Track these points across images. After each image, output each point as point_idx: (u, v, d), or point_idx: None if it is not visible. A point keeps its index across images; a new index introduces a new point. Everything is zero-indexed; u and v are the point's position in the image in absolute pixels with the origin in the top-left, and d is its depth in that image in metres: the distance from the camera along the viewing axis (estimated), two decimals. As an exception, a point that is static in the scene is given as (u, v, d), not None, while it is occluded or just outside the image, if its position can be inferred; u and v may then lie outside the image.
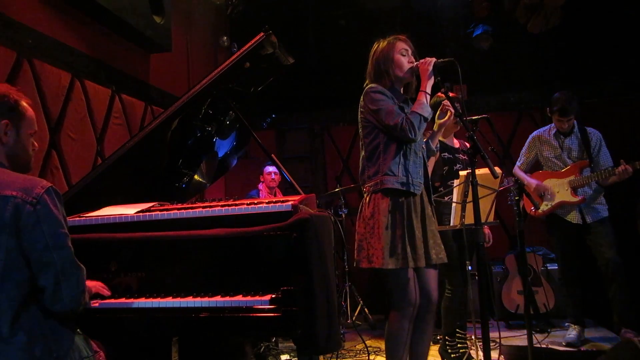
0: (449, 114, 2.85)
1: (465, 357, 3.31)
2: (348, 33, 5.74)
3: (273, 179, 4.90)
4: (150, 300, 1.83)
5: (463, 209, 2.92)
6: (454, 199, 2.95)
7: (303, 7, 6.01)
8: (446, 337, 3.39)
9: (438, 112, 3.02)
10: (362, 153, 2.49)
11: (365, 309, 4.73)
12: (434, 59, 2.37)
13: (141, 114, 4.20)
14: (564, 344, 3.73)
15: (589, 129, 3.80)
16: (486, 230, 3.43)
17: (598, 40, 5.08)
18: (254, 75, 2.59)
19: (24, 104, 1.72)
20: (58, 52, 3.24)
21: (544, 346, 3.70)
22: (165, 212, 1.98)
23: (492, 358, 2.25)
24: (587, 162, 3.73)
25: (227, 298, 1.75)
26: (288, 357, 3.56)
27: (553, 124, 3.85)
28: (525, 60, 5.36)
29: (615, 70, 5.10)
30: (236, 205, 1.95)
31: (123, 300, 1.86)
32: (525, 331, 2.87)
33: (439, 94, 3.10)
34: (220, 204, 2.02)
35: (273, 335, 3.38)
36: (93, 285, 1.84)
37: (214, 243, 1.87)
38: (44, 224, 1.56)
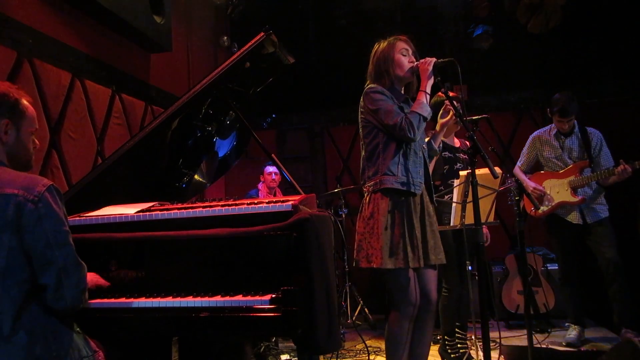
0: (450, 113, 2.85)
1: (465, 357, 3.31)
2: (348, 33, 5.74)
3: (273, 179, 4.89)
4: (150, 300, 1.83)
5: (463, 209, 2.92)
6: (454, 199, 2.95)
7: (303, 7, 6.02)
8: (445, 337, 3.39)
9: (441, 112, 3.02)
10: (363, 153, 2.50)
11: (366, 309, 4.73)
12: (434, 59, 2.38)
13: (141, 113, 4.20)
14: (564, 344, 3.73)
15: (590, 129, 3.80)
16: (484, 230, 3.43)
17: (598, 41, 5.08)
18: (254, 75, 2.59)
19: (25, 102, 1.72)
20: (58, 52, 3.24)
21: (544, 346, 3.70)
22: (165, 212, 1.98)
23: (492, 358, 2.25)
24: (587, 162, 3.73)
25: (227, 298, 1.75)
26: (288, 357, 3.56)
27: (553, 124, 3.85)
28: (525, 60, 5.35)
29: (615, 70, 5.10)
30: (236, 205, 1.95)
31: (123, 299, 1.86)
32: (525, 331, 2.87)
33: (439, 93, 3.10)
34: (220, 203, 2.02)
35: (273, 335, 3.38)
36: (89, 279, 1.83)
37: (214, 243, 1.87)
38: (45, 222, 1.57)
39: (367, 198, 2.42)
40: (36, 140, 1.79)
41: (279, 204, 1.87)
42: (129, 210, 2.07)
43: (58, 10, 3.26)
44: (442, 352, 3.42)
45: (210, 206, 1.99)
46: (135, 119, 4.07)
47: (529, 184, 3.85)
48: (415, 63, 2.43)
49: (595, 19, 5.07)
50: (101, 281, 1.89)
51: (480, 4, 5.38)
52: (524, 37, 5.31)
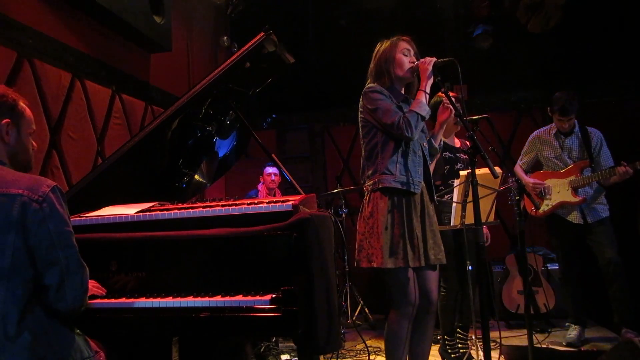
0: (449, 111, 2.85)
1: (465, 357, 3.31)
2: (348, 33, 5.74)
3: (273, 180, 4.89)
4: (151, 300, 1.83)
5: (463, 209, 2.92)
6: (455, 199, 2.95)
7: (303, 7, 6.01)
8: (445, 337, 3.39)
9: (439, 109, 3.02)
10: (363, 153, 2.50)
11: (366, 309, 4.73)
12: (434, 59, 2.38)
13: (141, 114, 4.20)
14: (564, 344, 3.73)
15: (590, 129, 3.79)
16: (484, 230, 3.43)
17: (598, 40, 5.08)
18: (254, 75, 2.59)
19: (22, 103, 1.73)
20: (58, 52, 3.24)
21: (545, 346, 3.70)
22: (165, 212, 1.98)
23: (492, 358, 2.25)
24: (587, 162, 3.73)
25: (228, 298, 1.75)
26: (288, 357, 3.56)
27: (554, 124, 3.85)
28: (525, 60, 5.35)
29: (615, 70, 5.10)
30: (236, 205, 1.95)
31: (123, 300, 1.86)
32: (525, 331, 2.86)
33: (439, 94, 3.10)
34: (220, 204, 2.02)
35: (273, 335, 3.38)
36: (89, 286, 1.84)
37: (214, 243, 1.87)
38: (49, 222, 1.57)
39: (367, 197, 2.43)
40: (34, 142, 1.79)
41: (279, 204, 1.87)
42: (129, 210, 2.07)
43: (58, 10, 3.26)
44: (443, 352, 3.42)
45: (211, 206, 1.99)
46: (135, 119, 4.07)
47: (529, 180, 3.85)
48: (416, 63, 2.43)
49: (595, 19, 5.07)
50: (98, 291, 1.89)
51: (480, 4, 5.38)
52: (524, 37, 5.30)
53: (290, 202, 1.85)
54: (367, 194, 2.43)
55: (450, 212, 3.01)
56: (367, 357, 3.65)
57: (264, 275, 1.79)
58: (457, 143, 3.45)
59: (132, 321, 1.84)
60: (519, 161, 4.06)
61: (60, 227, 1.59)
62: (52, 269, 1.58)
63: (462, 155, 3.36)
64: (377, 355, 3.72)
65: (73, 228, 1.66)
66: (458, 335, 3.38)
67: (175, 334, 2.12)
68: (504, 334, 3.89)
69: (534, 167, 4.03)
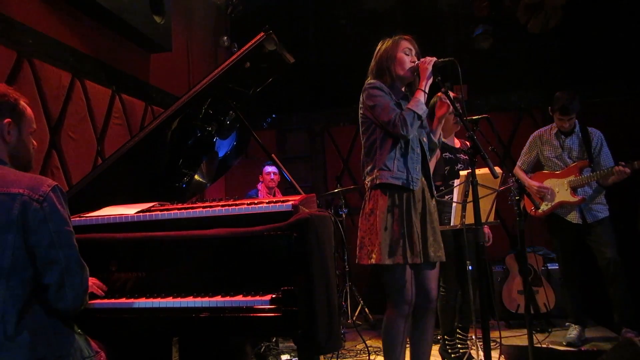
0: (445, 106, 2.83)
1: (465, 357, 3.31)
2: (348, 33, 5.74)
3: (272, 179, 4.89)
4: (151, 300, 1.83)
5: (463, 209, 2.92)
6: (455, 199, 2.95)
7: (303, 7, 6.01)
8: (445, 337, 3.39)
9: (437, 104, 3.02)
10: (362, 149, 2.51)
11: (366, 309, 4.73)
12: (434, 59, 2.39)
13: (141, 114, 4.19)
14: (564, 343, 3.73)
15: (591, 129, 3.79)
16: (486, 229, 3.43)
17: (598, 40, 5.07)
18: (255, 75, 2.59)
19: (23, 103, 1.73)
20: (58, 52, 3.24)
21: (545, 346, 3.70)
22: (165, 212, 1.98)
23: (492, 358, 2.25)
24: (587, 162, 3.73)
25: (228, 298, 1.75)
26: (288, 357, 3.56)
27: (554, 124, 3.85)
28: (525, 60, 5.35)
29: (615, 70, 5.09)
30: (236, 205, 1.95)
31: (123, 300, 1.86)
32: (525, 331, 2.86)
33: (439, 94, 3.09)
34: (220, 204, 2.02)
35: (273, 335, 3.38)
36: (89, 284, 1.84)
37: (214, 243, 1.87)
38: (50, 222, 1.57)
39: (368, 194, 2.44)
40: (34, 142, 1.79)
41: (279, 204, 1.87)
42: (129, 210, 2.07)
43: (58, 10, 3.26)
44: (443, 352, 3.42)
45: (211, 206, 1.99)
46: (135, 119, 4.07)
47: (533, 183, 3.84)
48: (416, 62, 2.44)
49: (595, 19, 5.07)
50: (98, 291, 1.89)
51: (480, 4, 5.38)
52: (524, 37, 5.30)
53: (290, 202, 1.85)
54: (368, 191, 2.45)
55: (451, 212, 3.01)
56: (367, 357, 3.65)
57: (264, 275, 1.79)
58: (457, 143, 3.45)
59: (132, 321, 1.84)
60: (518, 162, 4.05)
61: (60, 226, 1.60)
62: (52, 268, 1.58)
63: (462, 155, 3.36)
64: (377, 355, 3.72)
65: (73, 228, 1.66)
66: (457, 335, 3.38)
67: (175, 334, 2.12)
68: (504, 333, 3.89)
69: (535, 167, 4.03)
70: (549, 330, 4.14)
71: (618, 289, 3.58)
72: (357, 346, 3.96)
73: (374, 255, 2.32)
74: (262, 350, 3.50)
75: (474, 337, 3.26)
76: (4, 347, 1.50)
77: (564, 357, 3.41)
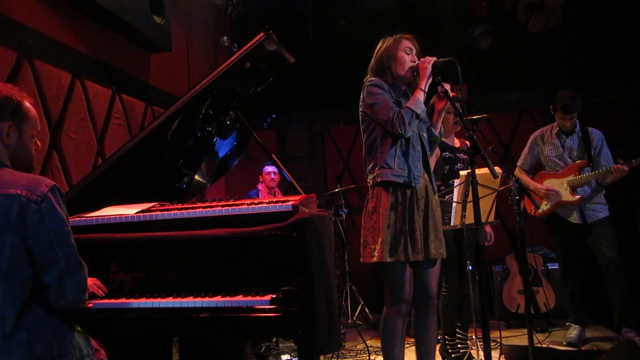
0: (444, 100, 2.83)
1: (466, 357, 3.31)
2: (348, 33, 5.73)
3: (272, 178, 4.89)
4: (151, 300, 1.83)
5: (463, 209, 2.92)
6: (455, 199, 2.95)
7: (303, 7, 6.01)
8: (446, 337, 3.39)
9: (434, 99, 3.01)
10: (363, 147, 2.51)
11: (366, 309, 4.73)
12: (433, 58, 2.39)
13: (141, 114, 4.19)
14: (564, 343, 3.73)
15: (591, 129, 3.79)
16: (487, 229, 3.43)
17: (598, 40, 5.08)
18: (255, 75, 2.59)
19: (27, 104, 1.73)
20: (58, 52, 3.24)
21: (545, 346, 3.70)
22: (165, 212, 1.98)
23: (492, 358, 2.25)
24: (586, 161, 3.73)
25: (228, 298, 1.75)
26: (288, 357, 3.56)
27: (555, 123, 3.84)
28: (525, 60, 5.35)
29: (615, 70, 5.10)
30: (236, 205, 1.95)
31: (124, 300, 1.86)
32: (525, 331, 2.86)
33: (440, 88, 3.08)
34: (220, 204, 2.02)
35: (273, 335, 3.37)
36: (89, 284, 1.84)
37: (214, 243, 1.87)
38: (48, 222, 1.58)
39: (370, 192, 2.45)
40: (38, 142, 1.80)
41: (279, 204, 1.87)
42: (129, 210, 2.07)
43: (58, 10, 3.26)
44: (443, 351, 3.42)
45: (211, 206, 1.99)
46: (135, 119, 4.07)
47: (540, 186, 3.82)
48: (416, 62, 2.44)
49: (595, 18, 5.07)
50: (99, 291, 1.89)
51: (480, 4, 5.38)
52: (524, 37, 5.30)
53: (290, 202, 1.85)
54: (370, 189, 2.45)
55: (451, 212, 3.01)
56: (368, 357, 3.65)
57: (264, 275, 1.79)
58: (456, 143, 3.45)
59: (132, 321, 1.84)
60: (518, 162, 4.04)
61: (58, 226, 1.60)
62: (52, 268, 1.59)
63: (462, 155, 3.36)
64: (378, 355, 3.72)
65: (73, 228, 1.67)
66: (458, 335, 3.38)
67: (175, 334, 2.12)
68: (504, 333, 3.89)
69: (535, 167, 4.02)
70: (549, 330, 4.14)
71: (618, 289, 3.58)
72: (357, 346, 3.96)
73: (375, 254, 2.32)
74: (262, 350, 3.50)
75: (474, 337, 3.26)
76: (2, 347, 1.51)
77: (564, 357, 3.41)
